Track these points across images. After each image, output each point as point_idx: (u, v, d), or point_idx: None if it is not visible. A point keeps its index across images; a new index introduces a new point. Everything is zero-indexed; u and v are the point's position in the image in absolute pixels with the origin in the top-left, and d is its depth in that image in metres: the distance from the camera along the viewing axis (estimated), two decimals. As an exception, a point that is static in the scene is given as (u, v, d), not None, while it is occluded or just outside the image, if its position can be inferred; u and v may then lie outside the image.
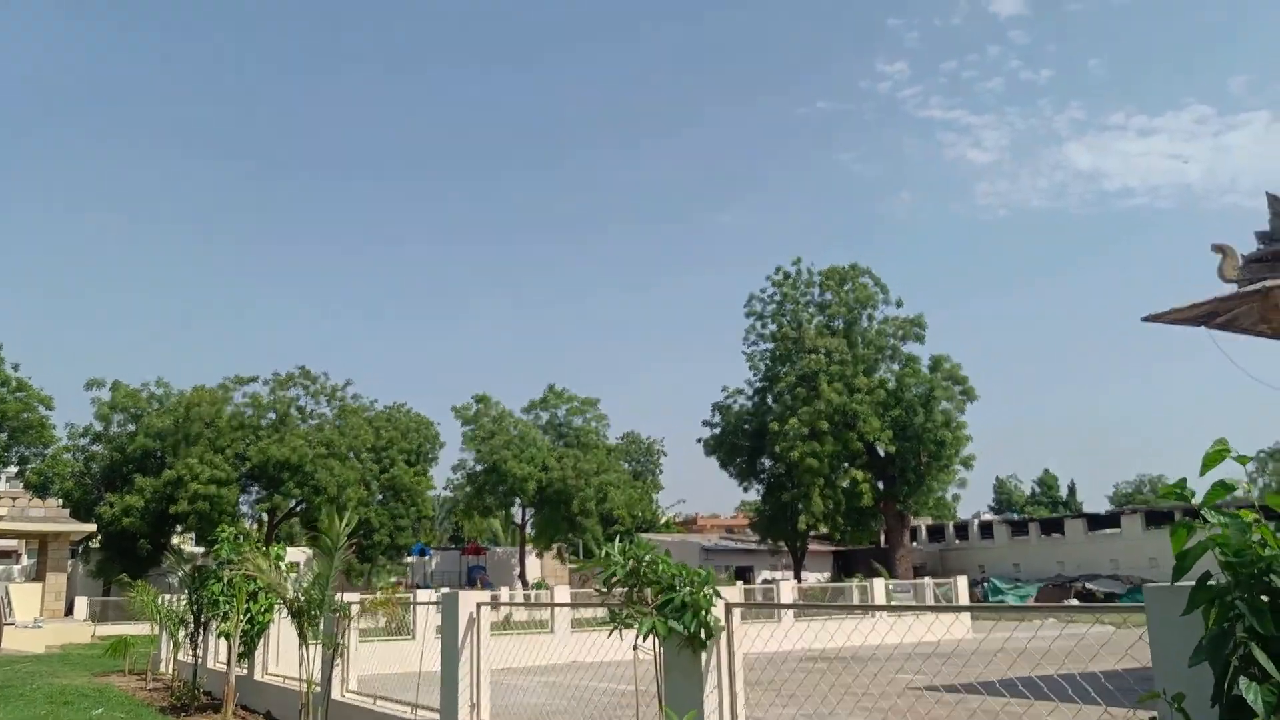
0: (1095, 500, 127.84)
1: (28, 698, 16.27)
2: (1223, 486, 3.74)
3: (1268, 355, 16.69)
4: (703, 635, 6.01)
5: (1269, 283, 13.93)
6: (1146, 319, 17.03)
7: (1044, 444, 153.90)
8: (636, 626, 5.97)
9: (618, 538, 6.44)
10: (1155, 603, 4.04)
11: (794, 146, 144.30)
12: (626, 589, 6.11)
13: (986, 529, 65.93)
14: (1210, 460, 3.78)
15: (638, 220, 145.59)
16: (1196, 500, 3.76)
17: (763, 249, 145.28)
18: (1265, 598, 3.43)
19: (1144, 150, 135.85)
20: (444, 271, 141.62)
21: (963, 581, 31.93)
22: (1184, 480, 4.15)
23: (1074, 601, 39.50)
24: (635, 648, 6.11)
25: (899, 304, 57.15)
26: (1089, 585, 49.00)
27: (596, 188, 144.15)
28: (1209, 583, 3.60)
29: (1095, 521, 60.53)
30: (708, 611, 5.97)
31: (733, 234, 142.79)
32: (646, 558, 6.03)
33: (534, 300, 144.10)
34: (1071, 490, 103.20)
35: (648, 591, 6.01)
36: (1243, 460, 3.75)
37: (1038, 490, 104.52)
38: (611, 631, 6.20)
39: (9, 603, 39.04)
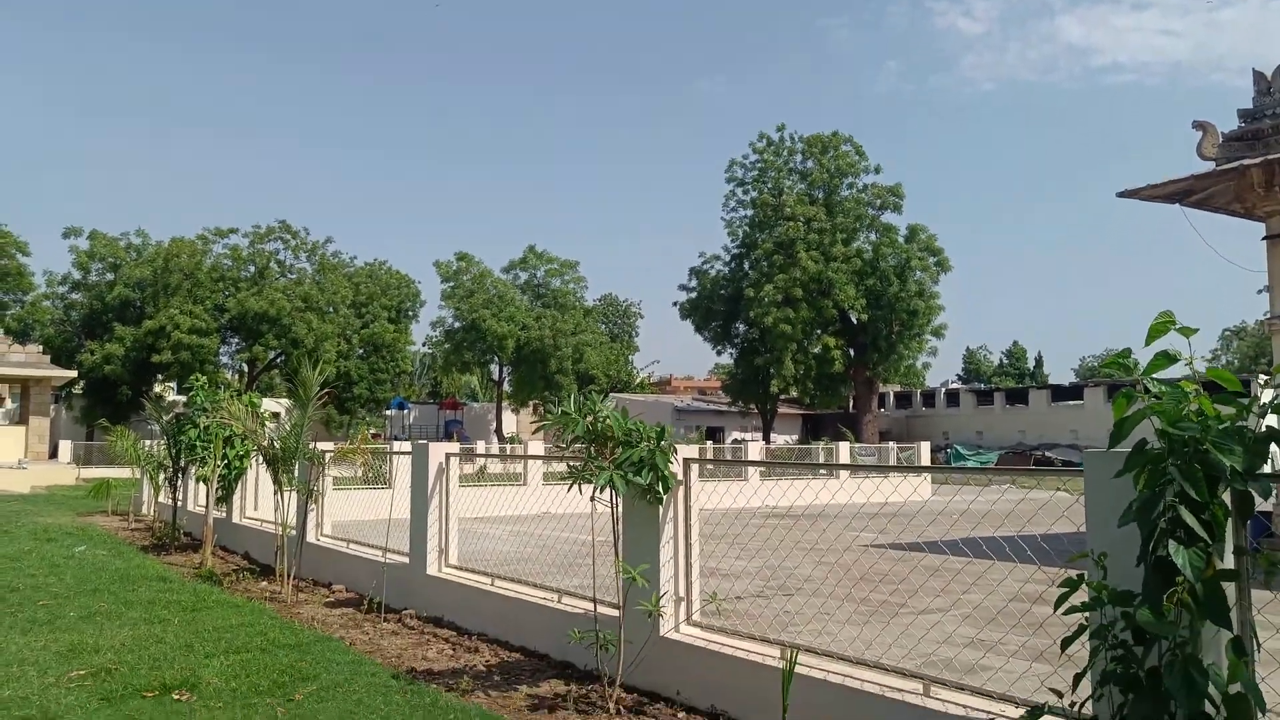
0: (1061, 373, 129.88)
1: (13, 534, 16.63)
2: (1165, 357, 3.83)
3: (1239, 235, 16.73)
4: (660, 489, 6.20)
5: (1246, 161, 13.87)
6: (1121, 194, 16.98)
7: (1015, 316, 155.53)
8: (594, 480, 6.13)
9: (571, 395, 6.52)
10: (1092, 467, 4.19)
11: (781, 10, 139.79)
12: (585, 444, 6.25)
13: (953, 397, 67.20)
14: (1155, 331, 3.85)
15: (622, 83, 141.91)
16: (1139, 372, 3.85)
17: (744, 117, 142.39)
18: (1199, 465, 3.57)
19: (1136, 25, 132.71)
20: (429, 127, 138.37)
21: (926, 447, 32.68)
22: (1128, 350, 4.23)
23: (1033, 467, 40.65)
24: (593, 499, 6.30)
25: (878, 170, 56.70)
26: (1048, 454, 50.37)
27: (580, 48, 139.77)
28: (1145, 449, 3.73)
29: (1059, 393, 61.78)
30: (665, 466, 6.14)
31: (715, 101, 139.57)
32: (603, 414, 6.15)
33: (515, 161, 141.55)
34: (1039, 362, 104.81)
35: (606, 447, 6.15)
36: (1186, 332, 3.83)
37: (1006, 361, 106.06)
38: (571, 485, 6.36)
39: (-10, 444, 39.36)
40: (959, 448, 55.22)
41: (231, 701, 6.25)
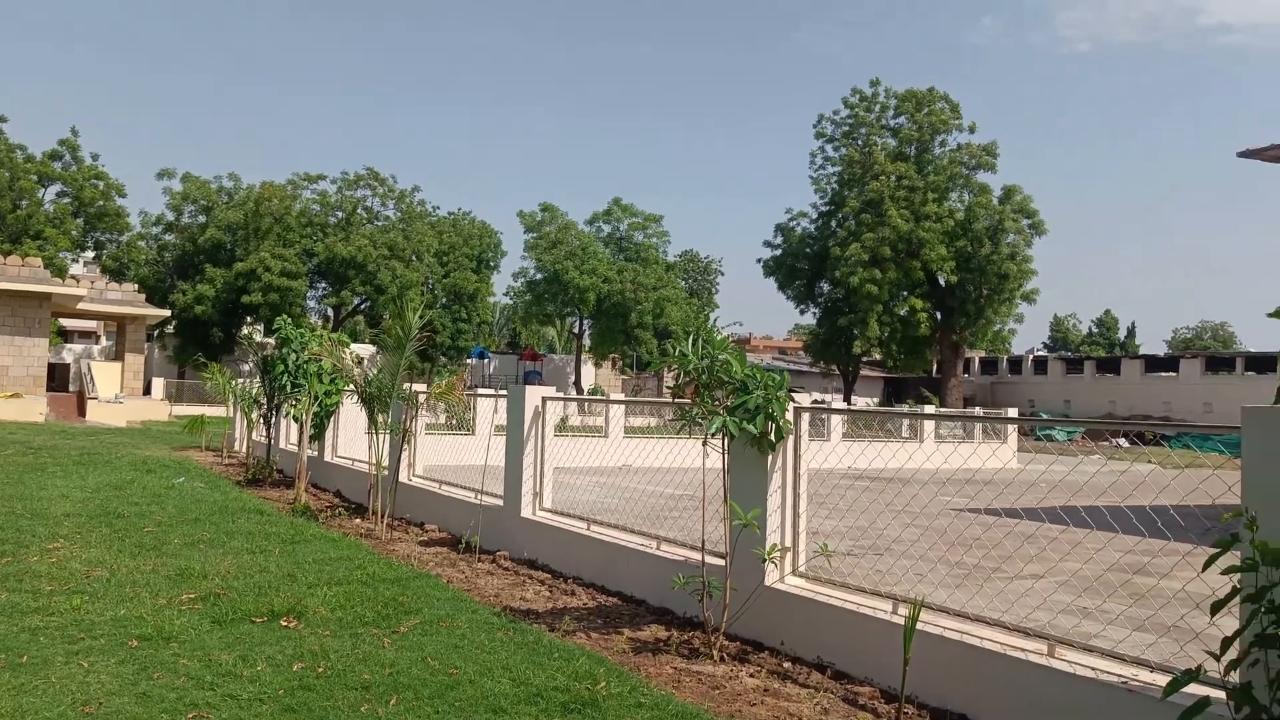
0: (1154, 346, 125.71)
1: (114, 465, 17.23)
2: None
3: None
4: (772, 437, 6.05)
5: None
6: (1243, 154, 16.43)
7: (1107, 284, 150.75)
8: (706, 425, 6.01)
9: (677, 342, 6.36)
10: (1255, 425, 3.96)
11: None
12: (700, 387, 6.10)
13: (1041, 364, 65.53)
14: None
15: (709, 37, 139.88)
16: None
17: (835, 74, 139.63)
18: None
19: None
20: (515, 79, 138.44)
21: (1012, 414, 31.95)
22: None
23: (1122, 440, 39.49)
24: (704, 444, 6.18)
25: (972, 129, 55.09)
26: (1141, 432, 48.86)
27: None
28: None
29: (1153, 364, 59.74)
30: (781, 415, 5.98)
31: (806, 55, 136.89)
32: (720, 357, 5.99)
33: (600, 115, 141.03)
34: (1131, 332, 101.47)
35: (722, 391, 6.01)
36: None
37: (1095, 330, 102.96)
38: (680, 429, 6.25)
39: (91, 378, 40.90)
40: (1045, 416, 53.92)
41: (339, 630, 6.34)
